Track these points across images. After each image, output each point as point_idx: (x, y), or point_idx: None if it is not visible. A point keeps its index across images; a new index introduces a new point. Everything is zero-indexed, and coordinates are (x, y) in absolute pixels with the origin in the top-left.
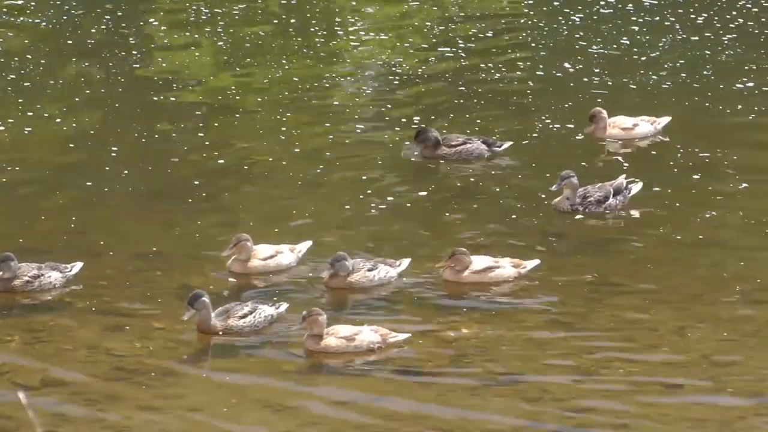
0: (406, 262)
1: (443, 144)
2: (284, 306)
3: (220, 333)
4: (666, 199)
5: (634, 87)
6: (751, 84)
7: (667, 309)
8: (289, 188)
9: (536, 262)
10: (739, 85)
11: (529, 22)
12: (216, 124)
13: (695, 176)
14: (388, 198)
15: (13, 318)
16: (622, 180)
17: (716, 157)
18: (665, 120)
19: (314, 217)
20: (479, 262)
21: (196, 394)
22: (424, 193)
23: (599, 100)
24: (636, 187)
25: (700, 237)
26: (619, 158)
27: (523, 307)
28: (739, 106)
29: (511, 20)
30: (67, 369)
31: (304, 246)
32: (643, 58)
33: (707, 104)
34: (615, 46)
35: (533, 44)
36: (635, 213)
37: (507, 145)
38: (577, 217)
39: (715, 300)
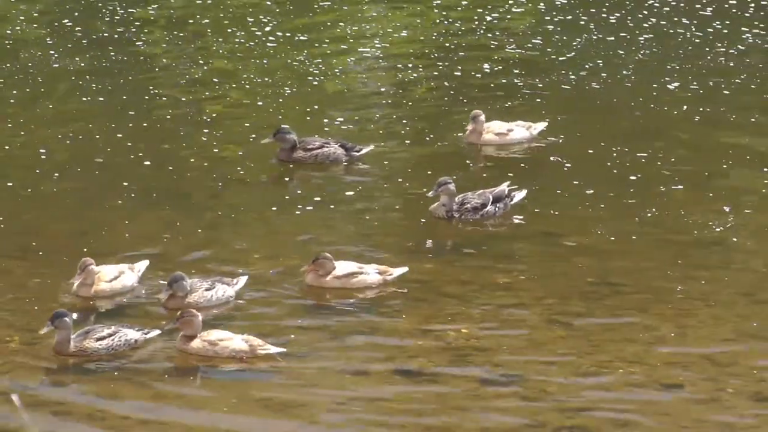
0: (243, 280)
1: (299, 147)
2: (155, 332)
3: (73, 354)
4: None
5: (546, 89)
6: (677, 84)
7: (667, 309)
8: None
9: (405, 269)
10: (666, 85)
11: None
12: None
13: (632, 178)
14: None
15: (12, 318)
16: (504, 187)
17: (654, 157)
18: (541, 126)
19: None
20: (343, 267)
21: (196, 394)
22: (288, 197)
23: (508, 103)
24: (519, 195)
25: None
26: (518, 164)
27: (523, 307)
28: (666, 108)
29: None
30: (67, 369)
31: (143, 265)
32: (561, 59)
33: (632, 104)
34: (530, 45)
35: (446, 44)
36: (517, 220)
37: (367, 149)
38: (461, 224)
39: (715, 300)
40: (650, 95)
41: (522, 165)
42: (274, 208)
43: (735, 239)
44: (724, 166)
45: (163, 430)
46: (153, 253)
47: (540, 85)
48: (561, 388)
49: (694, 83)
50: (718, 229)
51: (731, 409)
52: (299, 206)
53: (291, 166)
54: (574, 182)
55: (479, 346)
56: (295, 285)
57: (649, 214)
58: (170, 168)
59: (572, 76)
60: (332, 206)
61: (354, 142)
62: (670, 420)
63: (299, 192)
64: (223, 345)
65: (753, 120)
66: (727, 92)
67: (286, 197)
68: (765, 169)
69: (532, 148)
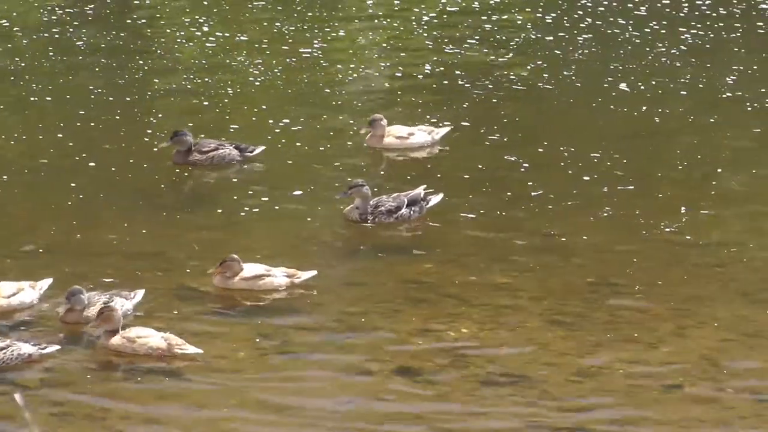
0: (140, 294)
1: (195, 150)
2: (52, 348)
3: None
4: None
5: (481, 91)
6: (623, 84)
7: (667, 309)
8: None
9: (313, 272)
10: (615, 85)
11: (384, 22)
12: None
13: (585, 178)
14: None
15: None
16: (420, 191)
17: (607, 157)
18: (444, 130)
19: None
20: (250, 269)
21: (197, 394)
22: (192, 201)
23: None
24: (435, 199)
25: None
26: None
27: (522, 307)
28: (612, 106)
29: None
30: (67, 369)
31: (45, 283)
32: (501, 59)
33: (593, 104)
34: (467, 46)
35: (385, 45)
36: (432, 223)
37: (259, 150)
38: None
39: (715, 300)
40: (603, 95)
41: (428, 167)
42: (175, 213)
43: (734, 239)
44: (720, 167)
45: (163, 430)
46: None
47: (490, 87)
48: (561, 388)
49: (641, 83)
50: (717, 230)
51: (731, 409)
52: (204, 210)
53: (190, 168)
54: (573, 182)
55: (479, 346)
56: (295, 286)
57: (649, 214)
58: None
59: (512, 76)
60: (243, 209)
61: (247, 143)
62: (670, 420)
63: (200, 195)
64: (141, 342)
65: (712, 120)
66: (684, 92)
67: (189, 201)
68: (753, 171)
69: (435, 152)
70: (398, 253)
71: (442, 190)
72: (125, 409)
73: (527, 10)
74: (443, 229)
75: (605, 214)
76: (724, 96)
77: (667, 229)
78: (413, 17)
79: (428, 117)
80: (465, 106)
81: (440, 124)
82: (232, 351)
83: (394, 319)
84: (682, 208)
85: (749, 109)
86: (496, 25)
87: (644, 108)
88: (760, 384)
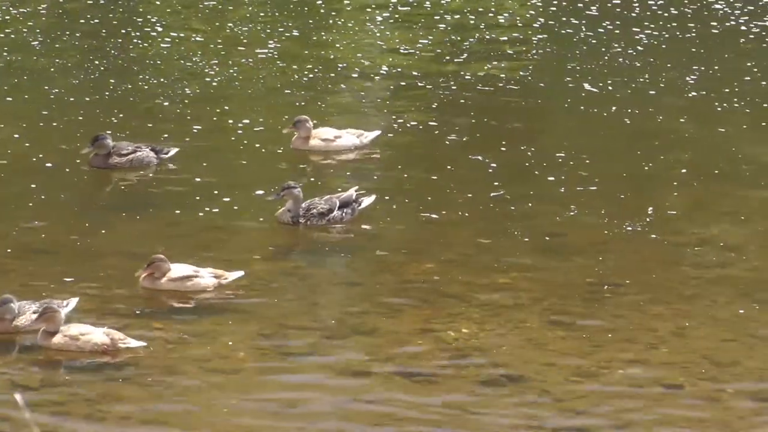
0: (74, 302)
1: (114, 153)
2: None
3: None
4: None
5: (444, 91)
6: (588, 84)
7: (667, 309)
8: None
9: (240, 273)
10: (578, 85)
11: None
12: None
13: (551, 178)
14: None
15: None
16: (352, 192)
17: (643, 156)
18: (374, 134)
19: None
20: (178, 270)
21: (196, 394)
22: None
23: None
24: (367, 200)
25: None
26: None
27: (522, 307)
28: (566, 104)
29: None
30: (67, 369)
31: None
32: (457, 59)
33: (565, 105)
34: (420, 46)
35: (338, 45)
36: (365, 226)
37: (173, 151)
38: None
39: (715, 300)
40: (570, 96)
41: (351, 169)
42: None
43: (734, 239)
44: (716, 168)
45: (162, 430)
46: None
47: (446, 88)
48: (561, 388)
49: (601, 84)
50: (717, 230)
51: (731, 409)
52: (125, 212)
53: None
54: (573, 183)
55: (479, 346)
56: (295, 284)
57: (648, 214)
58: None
59: (468, 77)
60: (174, 213)
61: (162, 145)
62: (670, 420)
63: (121, 198)
64: (85, 339)
65: (682, 120)
66: (652, 92)
67: (115, 205)
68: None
69: (362, 155)
70: (398, 253)
71: (399, 190)
72: (125, 409)
73: (480, 10)
74: (441, 229)
75: (606, 214)
76: (690, 95)
77: (667, 229)
78: (368, 17)
79: (377, 120)
80: (423, 108)
81: (399, 123)
82: (232, 351)
83: (394, 319)
84: (680, 210)
85: (719, 109)
86: (450, 25)
87: (614, 108)
88: (760, 384)
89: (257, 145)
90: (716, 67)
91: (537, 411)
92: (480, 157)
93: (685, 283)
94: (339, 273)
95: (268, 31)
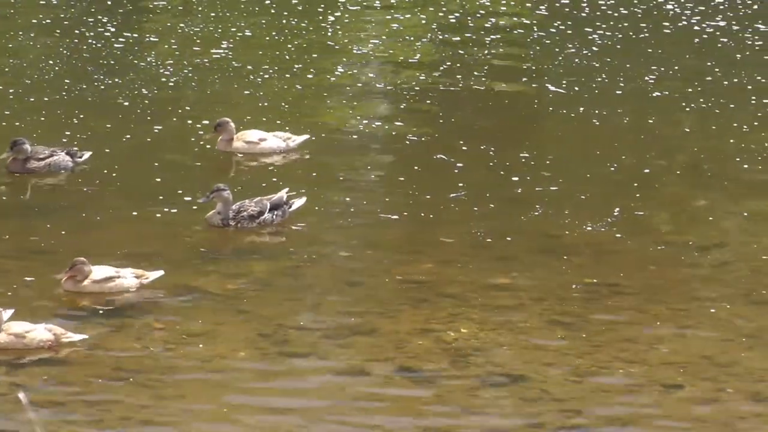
0: (9, 313)
1: (31, 157)
2: None
3: None
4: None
5: (393, 91)
6: (550, 85)
7: (667, 309)
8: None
9: (160, 272)
10: (539, 85)
11: (293, 21)
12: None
13: (587, 175)
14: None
15: (13, 318)
16: (282, 194)
17: (643, 156)
18: (302, 138)
19: None
20: (99, 272)
21: (197, 394)
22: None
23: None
24: (299, 202)
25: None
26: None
27: (522, 307)
28: (551, 108)
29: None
30: (68, 369)
31: None
32: (411, 60)
33: (548, 108)
34: (371, 46)
35: (303, 45)
36: (297, 227)
37: (87, 155)
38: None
39: (715, 300)
40: (535, 96)
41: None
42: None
43: (734, 239)
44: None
45: (162, 430)
46: None
47: (403, 88)
48: (561, 388)
49: (563, 83)
50: (717, 229)
51: (731, 409)
52: (44, 215)
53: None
54: (571, 183)
55: (479, 346)
56: (295, 284)
57: (648, 214)
58: None
59: (422, 77)
60: (97, 216)
61: (76, 149)
62: (670, 420)
63: (39, 201)
64: (31, 337)
65: (650, 121)
66: (618, 92)
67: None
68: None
69: (289, 158)
70: (398, 253)
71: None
72: (125, 409)
73: (431, 9)
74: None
75: (606, 214)
76: (654, 95)
77: (667, 229)
78: (320, 17)
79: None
80: (377, 107)
81: (365, 124)
82: (232, 351)
83: (394, 319)
84: (680, 210)
85: (688, 109)
86: (402, 24)
87: (581, 108)
88: (760, 384)
89: (184, 147)
90: (675, 68)
91: (537, 411)
92: (478, 157)
93: (685, 283)
94: (339, 273)
95: (221, 31)
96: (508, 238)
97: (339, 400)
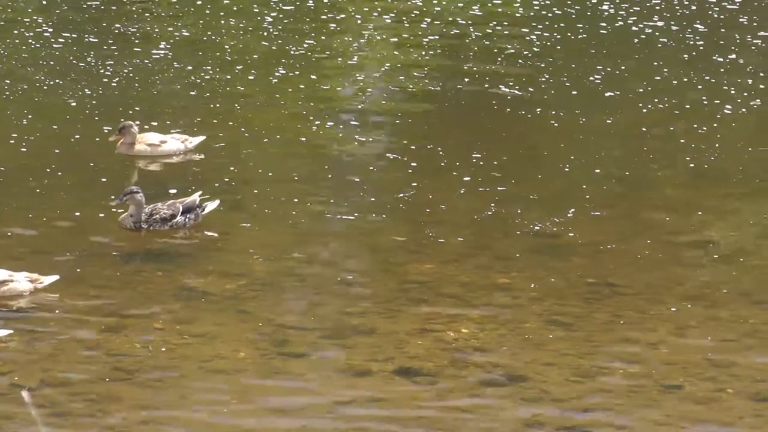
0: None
1: None
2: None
3: None
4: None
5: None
6: (503, 86)
7: (667, 309)
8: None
9: (55, 277)
10: (490, 88)
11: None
12: (214, 121)
13: (551, 178)
14: None
15: (13, 318)
16: (195, 197)
17: (644, 156)
18: (198, 139)
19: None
20: None
21: (196, 394)
22: None
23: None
24: (211, 206)
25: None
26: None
27: (522, 307)
28: (508, 109)
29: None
30: (67, 369)
31: None
32: (354, 58)
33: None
34: (320, 49)
35: (227, 47)
36: (209, 233)
37: None
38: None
39: (715, 300)
40: (485, 98)
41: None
42: None
43: (734, 239)
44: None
45: (162, 430)
46: None
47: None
48: (561, 388)
49: (531, 87)
50: (717, 229)
51: (731, 409)
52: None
53: None
54: (572, 182)
55: (479, 346)
56: (296, 284)
57: (648, 214)
58: None
59: (375, 74)
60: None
61: None
62: (670, 420)
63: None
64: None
65: (610, 121)
66: (575, 93)
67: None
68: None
69: (189, 160)
70: (398, 254)
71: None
72: (125, 409)
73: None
74: (441, 229)
75: (606, 214)
76: (608, 95)
77: (667, 229)
78: (258, 18)
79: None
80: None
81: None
82: (232, 351)
83: (394, 319)
84: (680, 210)
85: (644, 111)
86: (340, 24)
87: (539, 109)
88: (760, 384)
89: (87, 151)
90: (623, 67)
91: (537, 411)
92: (478, 158)
93: (685, 283)
94: (339, 273)
95: (158, 30)
96: (508, 239)
97: (339, 400)
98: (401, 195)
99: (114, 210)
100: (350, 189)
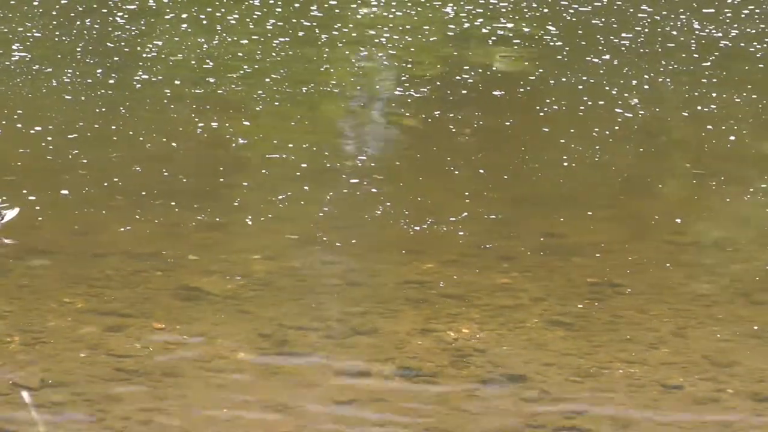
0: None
1: None
2: None
3: None
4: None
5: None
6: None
7: (667, 309)
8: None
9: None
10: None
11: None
12: (214, 120)
13: (550, 178)
14: None
15: (13, 318)
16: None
17: (646, 156)
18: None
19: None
20: None
21: (197, 394)
22: None
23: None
24: (11, 214)
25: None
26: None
27: (522, 307)
28: (451, 113)
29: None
30: (67, 369)
31: None
32: (324, 56)
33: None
34: (285, 40)
35: (185, 50)
36: (9, 240)
37: None
38: None
39: (715, 300)
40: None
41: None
42: None
43: (734, 239)
44: (713, 168)
45: (163, 430)
46: None
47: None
48: (561, 388)
49: (530, 87)
50: (717, 229)
51: (731, 409)
52: None
53: None
54: (570, 183)
55: (479, 346)
56: (296, 284)
57: (648, 214)
58: None
59: (350, 70)
60: None
61: None
62: (670, 420)
63: None
64: None
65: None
66: (560, 96)
67: None
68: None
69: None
70: (398, 253)
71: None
72: (125, 409)
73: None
74: (441, 229)
75: (607, 214)
76: (595, 103)
77: (667, 229)
78: (217, 17)
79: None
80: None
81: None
82: (232, 351)
83: (394, 319)
84: (680, 210)
85: (645, 111)
86: (317, 22)
87: (539, 109)
88: (760, 384)
89: None
90: (601, 72)
91: (537, 411)
92: (478, 157)
93: (685, 283)
94: (339, 273)
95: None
96: (509, 238)
97: (339, 400)
98: (401, 195)
99: None
100: (350, 189)
